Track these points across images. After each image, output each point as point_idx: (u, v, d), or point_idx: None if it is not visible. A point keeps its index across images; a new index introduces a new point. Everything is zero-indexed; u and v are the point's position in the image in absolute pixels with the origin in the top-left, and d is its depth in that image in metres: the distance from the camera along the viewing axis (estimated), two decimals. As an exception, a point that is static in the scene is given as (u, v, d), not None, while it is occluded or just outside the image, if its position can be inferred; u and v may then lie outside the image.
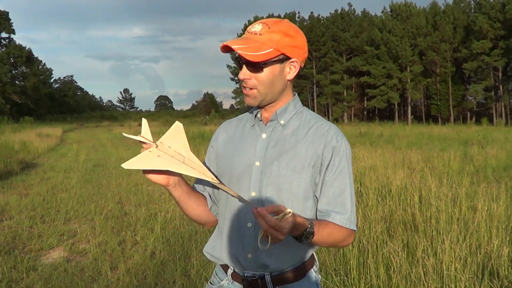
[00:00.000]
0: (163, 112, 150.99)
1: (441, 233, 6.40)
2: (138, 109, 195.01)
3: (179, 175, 2.11)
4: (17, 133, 37.48)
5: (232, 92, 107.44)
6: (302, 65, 2.18)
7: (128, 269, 6.34)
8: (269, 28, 2.03)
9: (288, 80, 2.15)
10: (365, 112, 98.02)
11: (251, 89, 2.09)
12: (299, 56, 2.12)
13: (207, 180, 2.08)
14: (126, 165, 1.96)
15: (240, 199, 2.01)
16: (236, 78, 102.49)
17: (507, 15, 69.26)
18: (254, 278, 2.14)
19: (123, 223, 8.81)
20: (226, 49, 2.04)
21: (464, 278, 4.89)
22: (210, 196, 2.35)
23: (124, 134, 2.19)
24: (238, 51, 1.98)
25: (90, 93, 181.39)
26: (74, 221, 9.14)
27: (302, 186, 2.11)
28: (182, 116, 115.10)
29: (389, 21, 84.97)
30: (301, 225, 1.84)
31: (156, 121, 75.70)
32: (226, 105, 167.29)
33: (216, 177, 2.14)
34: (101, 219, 9.08)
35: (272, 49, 2.02)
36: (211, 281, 2.35)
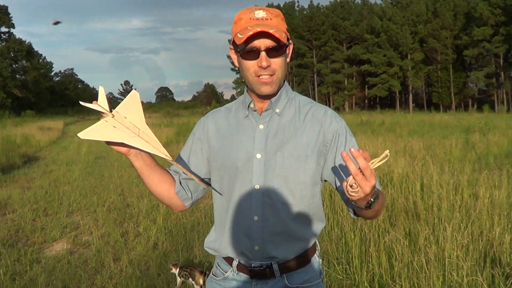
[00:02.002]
0: (164, 103, 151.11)
1: (443, 220, 6.40)
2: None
3: None
4: (19, 127, 37.43)
5: (233, 82, 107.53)
6: None
7: (131, 261, 6.36)
8: (270, 13, 2.06)
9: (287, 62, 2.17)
10: (366, 101, 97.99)
11: (272, 75, 2.07)
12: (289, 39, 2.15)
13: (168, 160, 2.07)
14: (82, 135, 1.97)
15: (200, 180, 2.03)
16: (236, 68, 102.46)
17: (507, 1, 69.15)
18: (262, 268, 2.15)
19: (125, 215, 8.83)
20: (248, 37, 1.99)
21: (466, 265, 4.89)
22: (180, 181, 2.30)
23: (80, 102, 2.13)
24: (276, 35, 1.96)
25: (91, 85, 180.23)
26: (76, 214, 9.16)
27: (308, 173, 2.12)
28: (183, 107, 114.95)
29: (389, 9, 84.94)
30: (373, 188, 1.75)
31: (157, 112, 75.71)
32: (227, 96, 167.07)
33: (168, 155, 2.07)
34: (104, 211, 9.10)
35: (283, 32, 2.04)
36: (214, 273, 2.34)
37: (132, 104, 2.06)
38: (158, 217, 8.27)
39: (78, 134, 1.96)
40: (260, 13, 2.04)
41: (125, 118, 2.02)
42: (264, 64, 2.02)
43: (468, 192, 7.90)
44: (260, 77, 2.07)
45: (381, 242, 5.80)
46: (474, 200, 7.51)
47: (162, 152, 2.03)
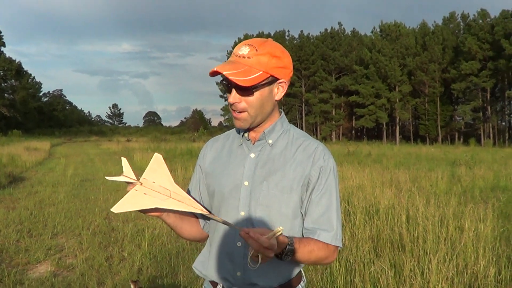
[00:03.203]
0: (152, 128, 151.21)
1: (428, 252, 6.42)
2: (127, 124, 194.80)
3: None
4: (5, 146, 37.37)
5: (221, 109, 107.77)
6: (288, 84, 2.19)
7: (115, 285, 6.32)
8: (256, 50, 2.02)
9: (276, 100, 2.17)
10: (353, 131, 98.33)
11: (241, 112, 2.09)
12: (286, 76, 2.12)
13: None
14: (115, 209, 1.96)
15: (229, 225, 1.99)
16: (225, 95, 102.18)
17: (495, 36, 70.00)
18: None
19: (110, 239, 8.78)
20: (215, 73, 2.02)
21: (450, 298, 4.91)
22: (203, 215, 2.31)
23: (107, 177, 2.13)
24: (230, 77, 1.96)
25: (79, 107, 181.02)
26: (61, 236, 9.10)
27: (291, 206, 2.13)
28: (171, 132, 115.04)
29: (379, 41, 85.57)
30: (281, 242, 1.86)
31: (144, 137, 75.69)
32: (214, 122, 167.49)
33: (204, 207, 2.12)
34: (89, 234, 9.05)
35: (261, 72, 2.01)
36: None
37: (157, 168, 2.07)
38: (143, 242, 8.23)
39: (112, 209, 1.96)
40: (243, 50, 2.04)
41: (154, 182, 2.03)
42: (231, 100, 2.07)
43: (453, 224, 7.92)
44: (233, 111, 2.12)
45: (366, 272, 5.81)
46: (460, 233, 7.53)
47: (197, 208, 2.05)
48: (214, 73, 2.02)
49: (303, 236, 2.18)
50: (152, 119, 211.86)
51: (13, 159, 25.54)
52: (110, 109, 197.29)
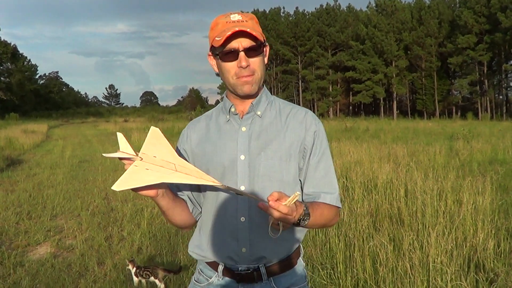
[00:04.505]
0: (149, 108, 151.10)
1: (427, 226, 6.43)
2: (124, 105, 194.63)
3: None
4: (2, 130, 37.34)
5: (218, 87, 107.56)
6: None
7: (115, 265, 6.34)
8: (245, 16, 2.11)
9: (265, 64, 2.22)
10: (350, 107, 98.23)
11: (252, 74, 2.10)
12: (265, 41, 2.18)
13: (205, 184, 1.97)
14: (116, 187, 1.83)
15: (246, 195, 1.98)
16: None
17: (491, 9, 69.59)
18: (249, 271, 2.16)
19: (109, 219, 8.80)
20: (227, 38, 2.02)
21: (450, 271, 4.92)
22: (190, 199, 2.31)
23: (104, 154, 2.05)
24: (253, 33, 2.01)
25: (76, 89, 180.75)
26: (60, 217, 9.11)
27: (291, 172, 2.16)
28: (168, 112, 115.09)
29: (374, 16, 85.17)
30: (299, 208, 1.86)
31: (142, 117, 75.58)
32: (211, 101, 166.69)
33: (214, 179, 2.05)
34: (88, 215, 9.07)
35: (259, 33, 2.09)
36: (196, 279, 2.33)
37: (156, 141, 1.96)
38: (142, 221, 8.25)
39: (112, 187, 1.83)
40: (236, 16, 2.09)
41: (155, 157, 1.92)
42: (244, 64, 2.06)
43: (452, 198, 7.94)
44: (241, 77, 2.10)
45: (365, 247, 5.82)
46: (458, 206, 7.54)
47: (208, 180, 1.95)
48: (227, 37, 2.02)
49: (303, 201, 2.17)
50: (149, 99, 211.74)
51: (10, 142, 25.54)
52: (107, 90, 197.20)
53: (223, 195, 2.17)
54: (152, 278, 5.42)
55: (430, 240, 5.63)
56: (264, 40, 2.12)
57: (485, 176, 10.74)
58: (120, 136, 1.96)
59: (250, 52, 2.07)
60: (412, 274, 5.01)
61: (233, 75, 2.11)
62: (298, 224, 1.91)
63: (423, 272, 5.08)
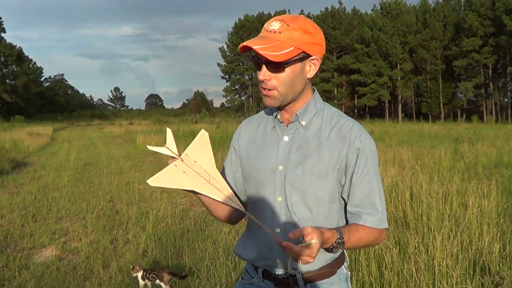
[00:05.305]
0: (154, 110, 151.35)
1: (433, 229, 6.42)
2: (129, 107, 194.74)
3: None
4: (8, 132, 37.40)
5: (223, 90, 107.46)
6: (321, 62, 2.10)
7: (120, 267, 6.33)
8: (288, 25, 1.93)
9: (308, 78, 2.08)
10: (355, 110, 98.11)
11: (270, 90, 2.01)
12: (318, 53, 2.04)
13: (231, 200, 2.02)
14: (151, 181, 1.90)
15: (264, 229, 1.96)
16: (226, 76, 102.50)
17: (496, 12, 69.54)
18: (285, 277, 2.15)
19: (114, 222, 8.80)
20: (244, 49, 1.96)
21: (455, 274, 4.91)
22: (236, 195, 2.26)
23: (148, 147, 2.11)
24: (260, 52, 1.89)
25: (81, 91, 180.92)
26: (65, 220, 9.12)
27: (327, 190, 2.08)
28: (173, 114, 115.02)
29: (379, 19, 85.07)
30: (331, 238, 1.84)
31: (147, 119, 75.67)
32: (216, 104, 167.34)
33: (241, 203, 2.10)
34: (93, 217, 9.07)
35: (293, 48, 1.93)
36: (243, 277, 2.37)
37: (201, 147, 2.00)
38: (147, 224, 8.25)
39: (148, 181, 1.90)
40: (274, 25, 1.96)
41: (195, 162, 1.96)
42: (261, 77, 1.99)
43: (457, 201, 7.92)
44: (263, 89, 2.04)
45: (371, 250, 5.81)
46: (463, 210, 7.52)
47: (234, 202, 1.98)
48: (243, 49, 1.95)
49: (346, 219, 2.15)
50: (154, 101, 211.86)
51: (16, 144, 25.58)
52: (112, 93, 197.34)
53: (261, 204, 2.15)
54: (158, 281, 5.43)
55: (436, 243, 5.62)
56: (302, 53, 1.97)
57: (490, 179, 10.72)
58: (168, 132, 2.02)
59: (270, 67, 1.97)
60: (417, 277, 5.01)
61: (259, 83, 2.06)
62: (330, 251, 1.91)
63: (429, 275, 5.08)
